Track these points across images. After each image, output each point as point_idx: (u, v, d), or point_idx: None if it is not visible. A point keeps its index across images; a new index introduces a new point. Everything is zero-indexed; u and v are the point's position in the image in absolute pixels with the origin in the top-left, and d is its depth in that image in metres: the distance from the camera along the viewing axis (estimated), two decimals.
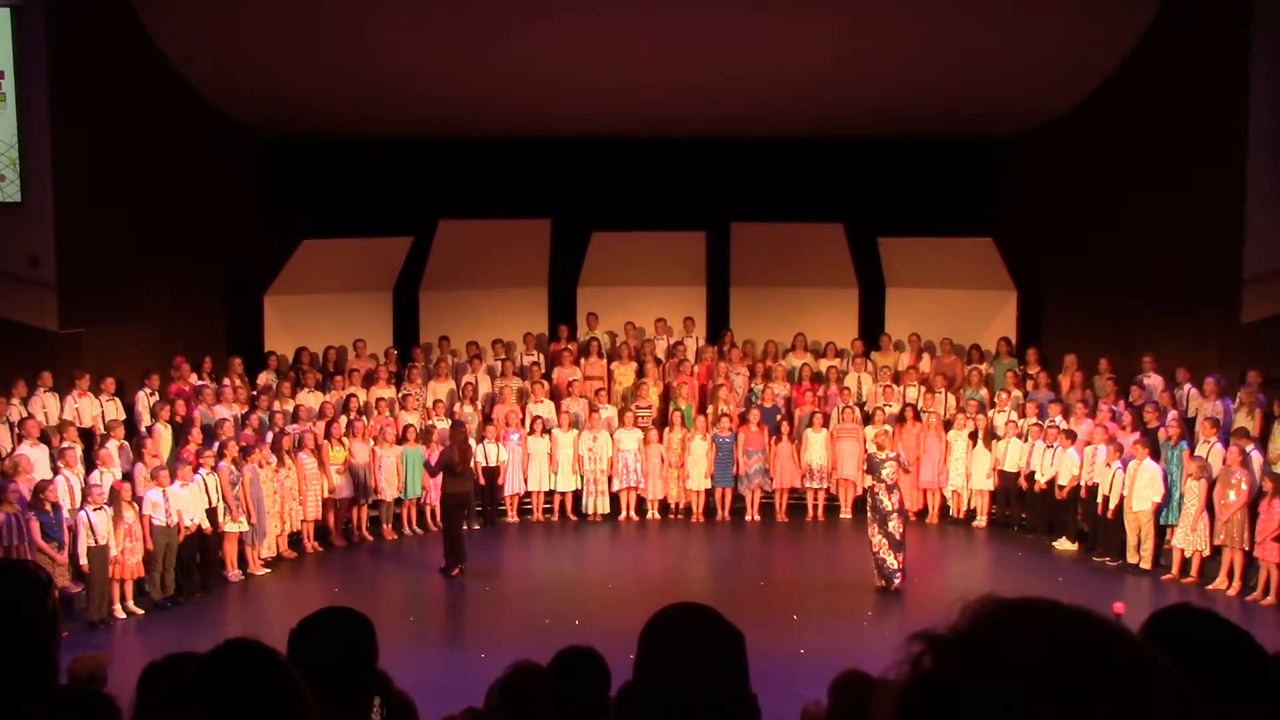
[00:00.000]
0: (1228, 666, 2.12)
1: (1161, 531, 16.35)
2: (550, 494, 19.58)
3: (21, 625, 2.40)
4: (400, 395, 19.67)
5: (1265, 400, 16.39)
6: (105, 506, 14.26)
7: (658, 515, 19.49)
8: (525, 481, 19.37)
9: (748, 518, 19.36)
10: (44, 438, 15.63)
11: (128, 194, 18.19)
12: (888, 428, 18.29)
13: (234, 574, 16.17)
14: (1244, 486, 15.16)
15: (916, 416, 19.22)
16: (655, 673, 2.58)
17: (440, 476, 16.92)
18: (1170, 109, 18.21)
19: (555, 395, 20.22)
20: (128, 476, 15.31)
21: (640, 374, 20.70)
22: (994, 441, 18.68)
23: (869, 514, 15.40)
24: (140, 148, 18.43)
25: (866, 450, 15.87)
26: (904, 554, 15.12)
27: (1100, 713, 1.20)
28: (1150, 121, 18.60)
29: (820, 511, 19.50)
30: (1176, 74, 17.91)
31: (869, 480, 15.63)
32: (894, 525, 15.05)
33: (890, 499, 15.12)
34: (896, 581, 15.00)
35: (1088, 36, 18.61)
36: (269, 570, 16.66)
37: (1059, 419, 18.07)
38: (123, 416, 16.97)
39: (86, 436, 16.26)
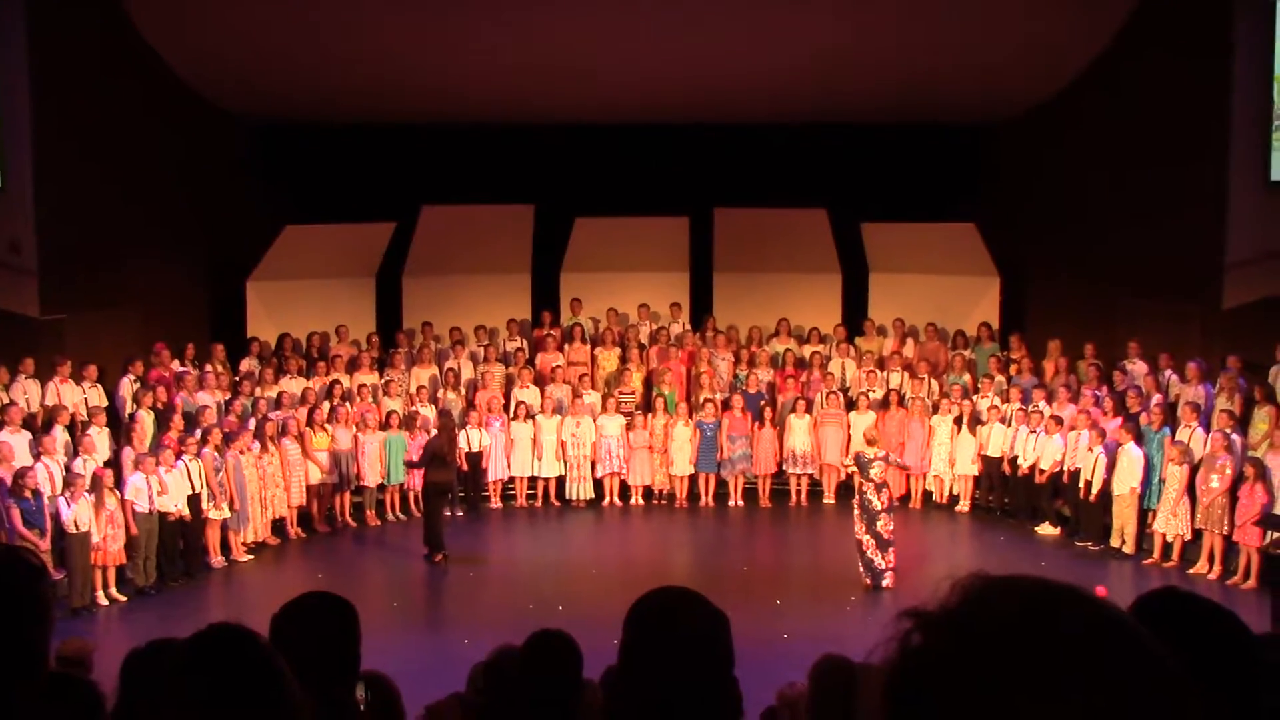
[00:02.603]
0: (1215, 647, 2.12)
1: (1144, 516, 16.43)
2: (534, 480, 19.58)
3: (13, 612, 2.38)
4: (383, 381, 19.64)
5: (1245, 385, 16.47)
6: (87, 493, 14.21)
7: (641, 501, 19.51)
8: (509, 467, 19.37)
9: (731, 503, 19.39)
10: (26, 424, 15.58)
11: (109, 180, 18.09)
12: (872, 413, 18.39)
13: (217, 560, 16.15)
14: (1228, 471, 15.24)
15: (900, 402, 19.27)
16: (640, 656, 2.58)
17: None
18: (1153, 95, 18.23)
19: (539, 381, 20.20)
20: (109, 463, 15.26)
21: (623, 359, 20.70)
22: (978, 427, 18.73)
23: (856, 512, 15.09)
24: (121, 133, 18.33)
25: (857, 448, 15.72)
26: (893, 551, 14.98)
27: (1091, 687, 1.20)
28: (1133, 108, 18.63)
29: (804, 497, 19.53)
30: (1159, 60, 17.93)
31: (857, 479, 15.40)
32: (882, 524, 14.78)
33: (879, 498, 14.88)
34: (886, 581, 14.75)
35: (1071, 23, 18.62)
36: (252, 557, 16.64)
37: (1043, 404, 18.13)
38: (105, 403, 16.91)
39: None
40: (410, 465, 17.78)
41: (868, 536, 14.84)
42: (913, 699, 1.27)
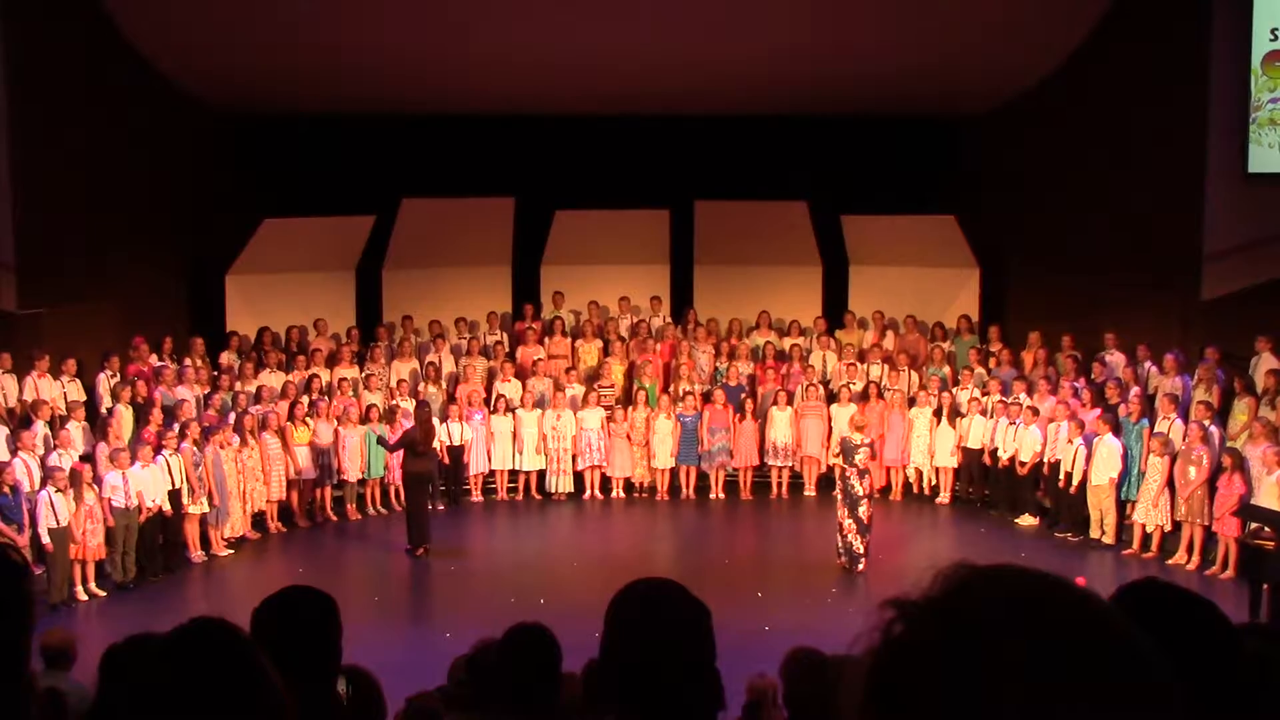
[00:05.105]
0: (1194, 637, 2.14)
1: (1123, 507, 16.50)
2: (514, 473, 19.56)
3: None
4: (364, 375, 19.58)
5: (1223, 377, 16.53)
6: (66, 488, 14.14)
7: (622, 494, 19.51)
8: (489, 460, 19.34)
9: (712, 496, 19.41)
10: (4, 420, 15.50)
11: (86, 174, 17.99)
12: (853, 405, 18.44)
13: (197, 555, 16.10)
14: (1204, 463, 15.30)
15: (880, 394, 19.30)
16: (622, 648, 2.58)
17: (403, 455, 16.88)
18: (1132, 86, 18.30)
19: (520, 374, 20.18)
20: (87, 458, 15.19)
21: (605, 352, 20.70)
22: (957, 419, 18.78)
23: (839, 497, 15.34)
24: (98, 126, 18.23)
25: (843, 434, 15.83)
26: (870, 537, 15.15)
27: (1073, 674, 1.21)
28: (1112, 99, 18.69)
29: (784, 489, 19.57)
30: (1138, 52, 17.99)
31: (840, 462, 15.52)
32: (863, 510, 15.03)
33: (862, 484, 15.07)
34: (860, 565, 15.02)
35: (1049, 14, 18.67)
36: (232, 551, 16.60)
37: (1022, 396, 18.17)
38: (83, 398, 16.82)
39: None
40: (384, 445, 17.70)
41: (849, 520, 15.05)
42: (894, 689, 1.27)
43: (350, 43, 18.94)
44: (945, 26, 18.64)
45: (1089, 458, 16.56)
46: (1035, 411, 17.68)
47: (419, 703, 6.09)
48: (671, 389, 19.93)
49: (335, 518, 18.45)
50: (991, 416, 18.37)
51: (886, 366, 20.13)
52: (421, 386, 19.65)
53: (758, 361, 20.50)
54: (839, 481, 15.47)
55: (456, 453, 18.96)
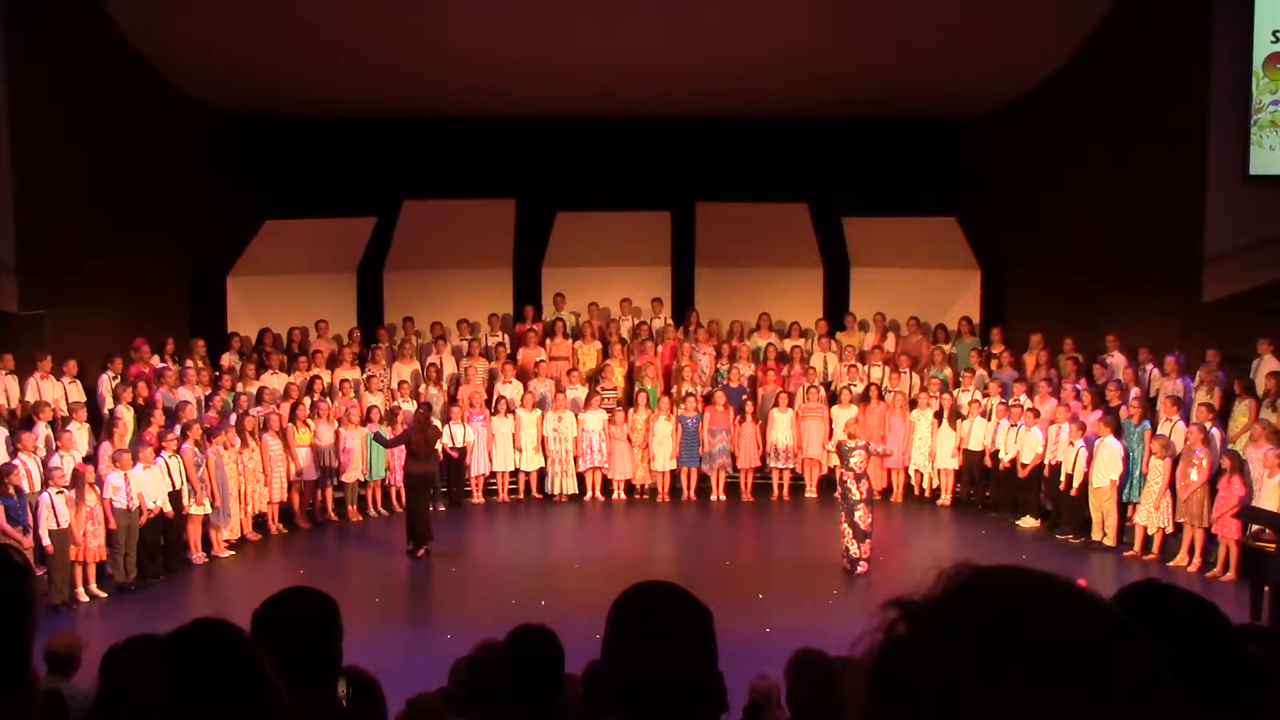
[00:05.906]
0: (1195, 639, 2.14)
1: (1124, 509, 16.50)
2: (515, 474, 19.56)
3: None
4: (365, 376, 19.58)
5: (1224, 379, 16.53)
6: (67, 489, 14.14)
7: (623, 495, 19.51)
8: (490, 462, 19.34)
9: (713, 497, 19.40)
10: (6, 421, 15.49)
11: (87, 175, 17.99)
12: (854, 406, 18.44)
13: (198, 556, 16.10)
14: (1204, 465, 15.30)
15: (881, 396, 19.29)
16: (623, 651, 2.58)
17: (404, 457, 16.89)
18: (1132, 89, 18.29)
19: (521, 376, 20.18)
20: (89, 459, 15.19)
21: (605, 354, 20.70)
22: (958, 421, 18.78)
23: (839, 501, 15.42)
24: (99, 128, 18.23)
25: (838, 438, 15.86)
26: (870, 542, 15.14)
27: (1077, 677, 1.21)
28: (1113, 101, 18.68)
29: (785, 491, 19.56)
30: (1139, 54, 17.99)
31: (837, 464, 15.57)
32: (860, 515, 15.02)
33: (859, 488, 15.07)
34: (860, 569, 15.02)
35: (1050, 16, 18.67)
36: (233, 552, 16.59)
37: (1023, 398, 18.17)
38: (85, 399, 16.82)
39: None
40: (381, 442, 17.64)
41: (846, 525, 15.08)
42: (896, 689, 1.27)
43: (351, 44, 18.93)
44: (946, 28, 18.63)
45: (1090, 460, 16.55)
46: (1036, 413, 17.67)
47: (420, 704, 6.08)
48: (673, 391, 19.93)
49: (336, 519, 18.45)
50: (992, 418, 18.36)
51: (887, 368, 20.12)
52: (423, 388, 19.65)
53: (759, 363, 20.50)
54: (839, 485, 15.52)
55: (459, 454, 18.96)
